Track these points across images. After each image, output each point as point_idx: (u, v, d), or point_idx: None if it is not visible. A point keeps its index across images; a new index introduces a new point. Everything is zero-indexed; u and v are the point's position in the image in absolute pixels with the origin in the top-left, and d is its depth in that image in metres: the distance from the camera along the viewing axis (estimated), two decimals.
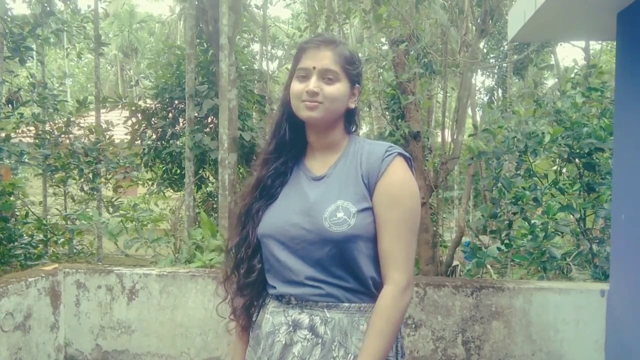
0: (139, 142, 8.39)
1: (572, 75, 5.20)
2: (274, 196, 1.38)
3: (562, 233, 3.86)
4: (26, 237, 5.68)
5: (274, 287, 1.33)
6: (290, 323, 1.29)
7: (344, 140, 1.38)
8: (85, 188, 7.00)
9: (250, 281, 1.38)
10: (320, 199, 1.29)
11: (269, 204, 1.37)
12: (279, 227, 1.32)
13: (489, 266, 6.09)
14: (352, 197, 1.27)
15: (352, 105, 1.37)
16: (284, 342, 1.28)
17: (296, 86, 1.32)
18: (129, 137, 8.28)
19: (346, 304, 1.27)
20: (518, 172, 4.13)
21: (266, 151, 1.42)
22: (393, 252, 1.26)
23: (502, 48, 13.14)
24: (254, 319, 1.41)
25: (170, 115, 8.43)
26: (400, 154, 1.31)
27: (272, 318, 1.32)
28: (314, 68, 1.29)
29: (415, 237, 1.30)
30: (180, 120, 8.30)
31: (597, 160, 3.85)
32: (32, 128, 6.49)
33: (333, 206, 1.26)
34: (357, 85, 1.36)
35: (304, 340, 1.26)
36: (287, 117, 1.38)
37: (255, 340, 1.37)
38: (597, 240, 3.84)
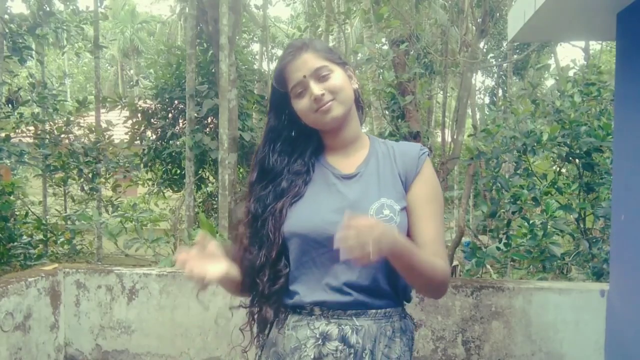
0: (138, 142, 8.38)
1: (571, 74, 5.20)
2: (299, 194, 1.31)
3: (561, 232, 3.87)
4: (26, 237, 5.67)
5: (296, 294, 1.27)
6: (318, 336, 1.23)
7: (361, 136, 1.37)
8: (85, 188, 7.00)
9: (278, 288, 1.28)
10: (362, 197, 1.26)
11: (294, 202, 1.30)
12: (315, 225, 1.25)
13: (488, 266, 6.10)
14: (394, 195, 1.27)
15: (356, 86, 1.35)
16: (312, 357, 1.22)
17: (301, 104, 1.28)
18: (128, 137, 8.28)
19: (373, 310, 1.24)
20: (517, 172, 4.13)
21: (253, 180, 1.37)
22: (435, 244, 1.27)
23: (502, 48, 13.14)
24: (265, 334, 1.34)
25: (170, 115, 8.43)
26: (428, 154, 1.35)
27: (296, 333, 1.26)
28: (305, 77, 1.26)
29: None
30: (180, 120, 8.29)
31: (596, 161, 3.85)
32: (31, 128, 6.49)
33: (377, 203, 1.24)
34: (346, 66, 1.34)
35: (335, 352, 1.21)
36: (273, 146, 1.36)
37: (274, 357, 1.30)
38: (595, 240, 3.84)
